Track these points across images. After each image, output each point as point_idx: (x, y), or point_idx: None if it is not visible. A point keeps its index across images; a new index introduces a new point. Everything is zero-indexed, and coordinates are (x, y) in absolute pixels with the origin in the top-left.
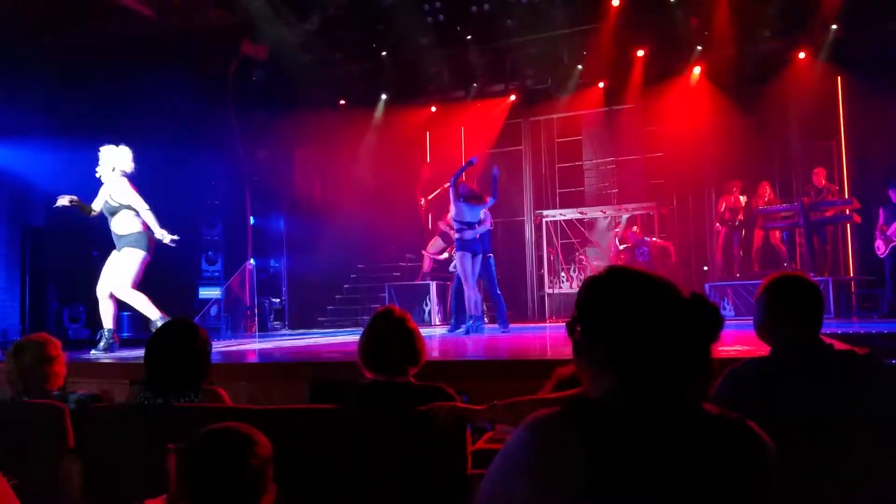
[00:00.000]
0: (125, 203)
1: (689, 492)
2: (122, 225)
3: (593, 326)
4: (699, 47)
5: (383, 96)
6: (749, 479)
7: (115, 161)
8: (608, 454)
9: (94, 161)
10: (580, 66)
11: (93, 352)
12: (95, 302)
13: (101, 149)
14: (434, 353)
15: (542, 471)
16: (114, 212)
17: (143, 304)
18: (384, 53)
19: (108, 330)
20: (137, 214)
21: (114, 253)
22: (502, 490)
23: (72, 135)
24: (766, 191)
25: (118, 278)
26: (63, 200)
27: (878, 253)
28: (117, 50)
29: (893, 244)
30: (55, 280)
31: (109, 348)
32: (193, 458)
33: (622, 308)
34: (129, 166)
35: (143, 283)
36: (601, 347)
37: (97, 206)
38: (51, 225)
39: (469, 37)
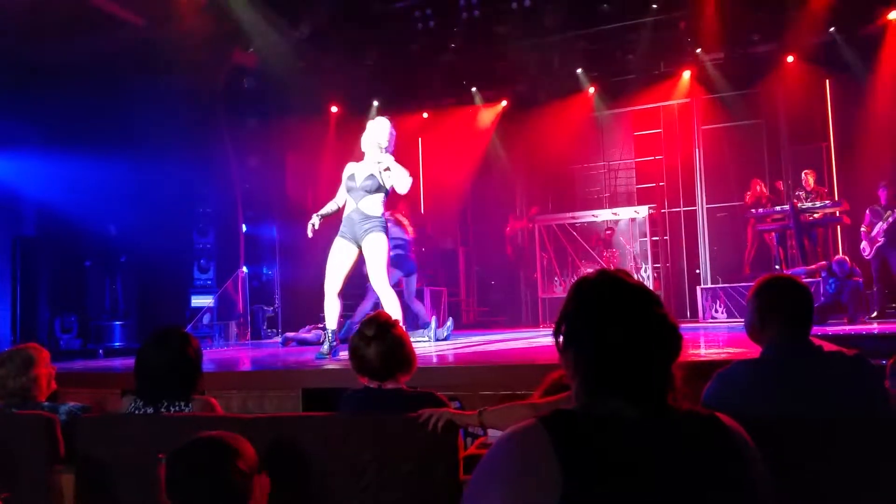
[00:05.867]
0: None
1: (662, 493)
2: (371, 206)
3: (565, 331)
4: (698, 49)
5: (375, 102)
6: (724, 475)
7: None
8: (578, 462)
9: (85, 169)
10: (576, 71)
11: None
12: (87, 312)
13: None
14: (425, 359)
15: (520, 481)
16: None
17: (395, 303)
18: (375, 60)
19: (332, 331)
20: (386, 196)
21: (344, 242)
22: (484, 501)
23: (62, 143)
24: (759, 187)
25: (376, 270)
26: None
27: (864, 254)
28: (106, 58)
29: (878, 244)
30: (47, 290)
31: (332, 351)
32: (177, 466)
33: (583, 316)
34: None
35: (138, 291)
36: (570, 352)
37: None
38: (42, 234)
39: (461, 43)
